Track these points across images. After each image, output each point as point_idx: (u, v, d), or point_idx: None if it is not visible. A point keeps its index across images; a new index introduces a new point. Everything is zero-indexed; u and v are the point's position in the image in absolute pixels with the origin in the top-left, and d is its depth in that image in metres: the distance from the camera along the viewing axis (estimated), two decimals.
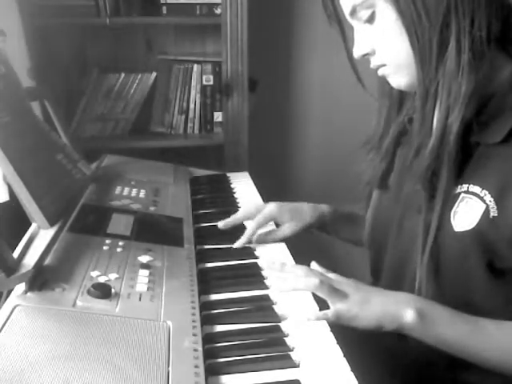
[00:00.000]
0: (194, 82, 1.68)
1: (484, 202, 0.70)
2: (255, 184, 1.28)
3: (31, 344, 0.58)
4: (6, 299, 0.67)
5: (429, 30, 0.67)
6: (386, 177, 0.87)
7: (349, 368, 0.63)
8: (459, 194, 0.73)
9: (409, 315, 0.71)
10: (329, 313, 0.72)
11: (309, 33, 1.86)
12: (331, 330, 0.71)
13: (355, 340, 0.73)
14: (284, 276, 0.79)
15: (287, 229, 1.00)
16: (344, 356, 0.66)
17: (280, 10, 1.83)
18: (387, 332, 0.73)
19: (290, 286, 0.76)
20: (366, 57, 0.77)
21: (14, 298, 0.66)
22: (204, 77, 1.67)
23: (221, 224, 1.00)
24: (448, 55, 0.67)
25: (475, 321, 0.71)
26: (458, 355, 0.71)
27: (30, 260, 0.72)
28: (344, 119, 1.93)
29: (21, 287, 0.68)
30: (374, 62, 0.76)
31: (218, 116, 1.71)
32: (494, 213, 0.69)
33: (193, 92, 1.69)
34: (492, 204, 0.69)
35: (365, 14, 0.72)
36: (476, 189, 0.71)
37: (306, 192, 2.02)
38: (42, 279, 0.71)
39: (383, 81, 0.80)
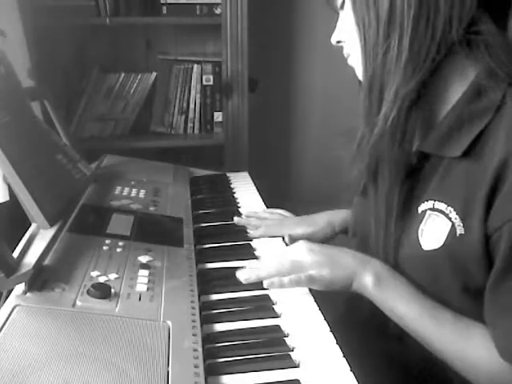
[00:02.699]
0: (194, 82, 1.68)
1: (450, 219, 0.67)
2: (255, 184, 1.28)
3: (31, 344, 0.58)
4: (5, 299, 0.67)
5: (376, 20, 0.67)
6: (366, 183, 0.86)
7: (349, 368, 0.64)
8: (425, 211, 0.71)
9: (367, 279, 0.73)
10: (302, 276, 0.75)
11: (309, 33, 1.86)
12: (331, 330, 0.71)
13: (355, 340, 0.73)
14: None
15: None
16: (344, 356, 0.66)
17: (280, 10, 1.83)
18: (387, 332, 0.73)
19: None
20: (339, 44, 0.77)
21: (13, 298, 0.66)
22: (204, 77, 1.67)
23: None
24: (390, 49, 0.66)
25: (434, 307, 0.70)
26: (409, 332, 0.71)
27: (30, 260, 0.72)
28: (344, 119, 1.92)
29: (21, 287, 0.68)
30: (344, 50, 0.77)
31: (218, 116, 1.71)
32: (460, 230, 0.66)
33: (193, 92, 1.69)
34: (458, 221, 0.66)
35: (338, 0, 0.73)
36: (441, 206, 0.69)
37: (306, 192, 2.02)
38: (41, 279, 0.71)
39: None
